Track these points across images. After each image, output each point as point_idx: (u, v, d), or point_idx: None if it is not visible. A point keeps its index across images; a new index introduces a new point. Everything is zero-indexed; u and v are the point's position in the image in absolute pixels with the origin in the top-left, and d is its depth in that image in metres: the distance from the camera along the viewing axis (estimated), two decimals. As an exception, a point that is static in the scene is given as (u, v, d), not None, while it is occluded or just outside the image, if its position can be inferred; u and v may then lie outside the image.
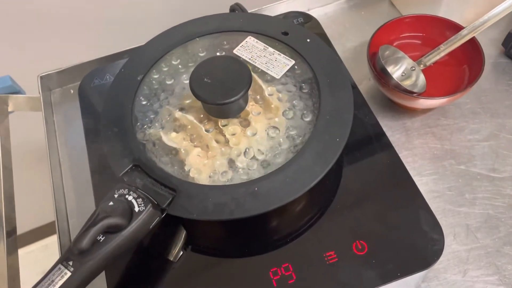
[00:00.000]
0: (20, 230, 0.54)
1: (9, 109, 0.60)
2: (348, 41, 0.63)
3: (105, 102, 0.45)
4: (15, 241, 0.52)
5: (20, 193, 0.58)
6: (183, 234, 0.43)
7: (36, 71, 0.60)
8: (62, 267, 0.34)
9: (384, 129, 0.50)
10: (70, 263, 0.34)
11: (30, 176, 0.89)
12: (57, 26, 0.71)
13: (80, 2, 0.69)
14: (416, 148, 0.52)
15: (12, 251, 0.50)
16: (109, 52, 0.61)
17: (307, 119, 0.42)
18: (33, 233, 1.18)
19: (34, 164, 0.91)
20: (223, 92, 0.40)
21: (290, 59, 0.46)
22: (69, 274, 0.33)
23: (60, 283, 0.33)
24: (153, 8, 0.74)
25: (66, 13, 0.70)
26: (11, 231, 0.52)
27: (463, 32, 0.52)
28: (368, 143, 0.47)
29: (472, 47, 0.53)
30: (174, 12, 0.75)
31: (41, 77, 0.59)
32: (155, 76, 0.47)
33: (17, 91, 0.59)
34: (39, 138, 0.58)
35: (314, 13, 0.65)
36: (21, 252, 0.53)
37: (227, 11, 0.58)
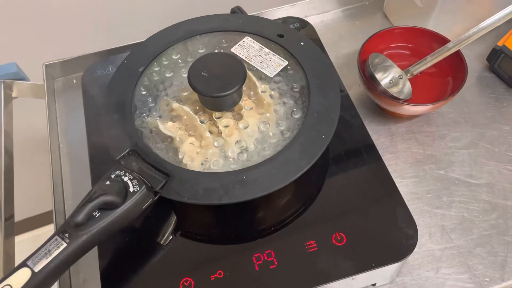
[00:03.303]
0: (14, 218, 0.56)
1: (13, 95, 0.62)
2: (342, 48, 0.66)
3: (107, 90, 0.47)
4: (12, 226, 0.53)
5: (16, 180, 0.60)
6: (173, 220, 0.45)
7: (40, 60, 0.63)
8: (59, 239, 0.36)
9: (370, 133, 0.53)
10: (66, 235, 0.36)
11: (26, 164, 0.91)
12: (64, 18, 0.74)
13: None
14: (399, 152, 0.55)
15: (8, 236, 0.52)
16: (112, 46, 0.63)
17: (296, 116, 0.45)
18: (25, 222, 1.19)
19: (30, 152, 0.93)
20: (218, 85, 0.43)
21: (283, 59, 0.49)
22: (64, 245, 0.36)
23: (56, 253, 0.35)
24: (157, 5, 0.77)
25: (74, 5, 0.72)
26: (9, 216, 0.53)
27: (449, 45, 0.55)
28: (353, 143, 0.49)
29: (457, 60, 0.56)
30: (177, 11, 0.78)
31: (46, 66, 0.62)
32: (156, 69, 0.49)
33: (22, 77, 0.62)
34: (39, 125, 0.60)
35: (311, 20, 0.68)
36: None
37: (229, 12, 0.61)
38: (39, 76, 0.62)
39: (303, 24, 0.61)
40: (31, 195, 1.00)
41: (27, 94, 0.63)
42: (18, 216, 1.15)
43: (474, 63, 0.63)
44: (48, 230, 1.25)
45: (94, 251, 0.43)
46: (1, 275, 0.47)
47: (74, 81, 0.64)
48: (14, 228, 0.54)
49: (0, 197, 0.52)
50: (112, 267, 0.43)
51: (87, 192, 0.38)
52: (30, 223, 1.21)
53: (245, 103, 0.46)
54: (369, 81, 0.54)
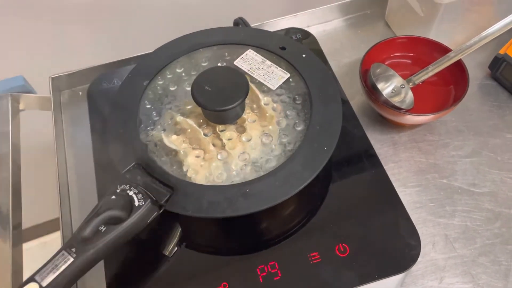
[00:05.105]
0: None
1: (20, 108, 0.63)
2: (344, 57, 0.66)
3: (113, 104, 0.48)
4: (20, 234, 0.54)
5: (23, 189, 0.61)
6: (178, 231, 0.46)
7: (47, 73, 0.64)
8: (66, 253, 0.37)
9: (373, 142, 0.53)
10: (73, 249, 0.37)
11: (33, 174, 0.92)
12: (69, 31, 0.75)
13: (92, 10, 0.73)
14: (402, 161, 0.55)
15: (16, 244, 0.52)
16: (117, 58, 0.64)
17: (299, 128, 0.45)
18: (33, 230, 1.20)
19: (37, 162, 0.94)
20: (221, 99, 0.43)
21: (286, 72, 0.49)
22: (71, 259, 0.36)
23: (63, 267, 0.36)
24: (161, 18, 0.78)
25: (79, 18, 0.73)
26: (17, 225, 0.54)
27: (451, 54, 0.55)
28: (355, 153, 0.50)
29: (458, 69, 0.56)
30: (181, 23, 0.78)
31: (52, 78, 0.63)
32: (160, 82, 0.50)
33: (29, 90, 0.63)
34: (46, 137, 0.61)
35: (313, 29, 0.69)
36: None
37: (231, 24, 0.62)
38: (45, 88, 0.63)
39: (305, 35, 0.61)
40: (38, 203, 1.01)
41: (34, 107, 0.64)
42: (26, 224, 1.16)
43: (476, 71, 0.63)
44: (56, 237, 1.26)
45: (101, 263, 0.44)
46: (10, 284, 0.48)
47: (80, 93, 0.65)
48: (22, 236, 0.54)
49: (8, 206, 0.53)
50: (118, 279, 0.44)
51: (93, 204, 0.39)
52: (37, 230, 1.22)
53: (248, 115, 0.47)
54: (371, 91, 0.55)
